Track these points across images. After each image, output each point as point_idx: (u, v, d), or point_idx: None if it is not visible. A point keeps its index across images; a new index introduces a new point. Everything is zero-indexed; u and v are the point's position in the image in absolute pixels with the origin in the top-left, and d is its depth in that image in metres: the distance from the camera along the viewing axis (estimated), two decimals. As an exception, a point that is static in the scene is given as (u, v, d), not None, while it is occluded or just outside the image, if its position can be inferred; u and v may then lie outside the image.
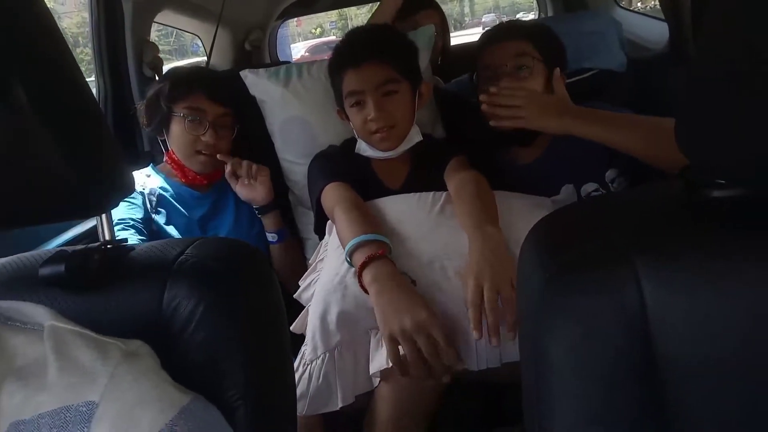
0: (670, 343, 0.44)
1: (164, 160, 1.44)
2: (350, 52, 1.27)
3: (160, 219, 1.38)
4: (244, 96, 1.50)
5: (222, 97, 1.39)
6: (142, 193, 1.37)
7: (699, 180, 0.48)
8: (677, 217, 0.50)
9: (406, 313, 0.87)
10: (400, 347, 0.87)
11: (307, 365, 0.97)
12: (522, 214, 1.05)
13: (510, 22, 1.41)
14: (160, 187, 1.41)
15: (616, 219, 0.51)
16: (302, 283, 1.15)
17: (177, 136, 1.38)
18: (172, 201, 1.41)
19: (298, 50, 11.70)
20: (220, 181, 1.47)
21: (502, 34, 1.34)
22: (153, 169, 1.47)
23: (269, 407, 0.60)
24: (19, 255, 0.70)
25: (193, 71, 1.45)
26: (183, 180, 1.42)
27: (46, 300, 0.60)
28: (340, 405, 0.95)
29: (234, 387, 0.57)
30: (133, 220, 1.31)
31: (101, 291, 0.61)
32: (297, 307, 1.10)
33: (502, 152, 1.38)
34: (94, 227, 1.37)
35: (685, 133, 0.47)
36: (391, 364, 0.89)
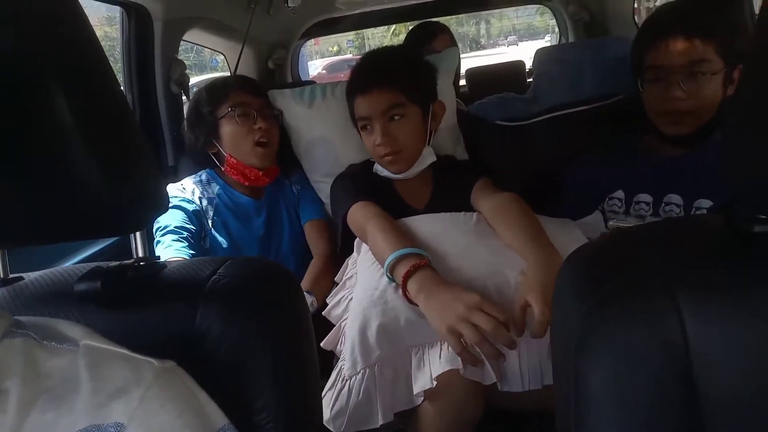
0: (712, 378, 0.44)
1: (224, 169, 1.45)
2: (359, 77, 1.30)
3: (217, 233, 1.39)
4: None
5: (259, 91, 1.45)
6: (198, 204, 1.39)
7: (741, 214, 0.48)
8: (718, 250, 0.49)
9: (458, 301, 0.87)
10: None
11: (346, 381, 0.95)
12: (556, 236, 1.04)
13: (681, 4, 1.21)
14: (217, 194, 1.43)
15: (656, 251, 0.50)
16: (331, 301, 1.15)
17: (231, 135, 1.40)
18: (230, 212, 1.43)
19: (316, 67, 11.85)
20: (271, 187, 1.50)
21: (682, 28, 1.14)
22: (210, 173, 1.47)
23: (300, 427, 0.60)
24: (52, 269, 0.71)
25: (223, 77, 1.51)
26: (245, 182, 1.43)
27: (80, 316, 0.61)
28: (381, 422, 0.93)
29: (265, 409, 0.57)
30: (187, 231, 1.31)
31: (135, 308, 0.61)
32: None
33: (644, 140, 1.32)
34: (113, 244, 1.41)
35: (730, 165, 0.47)
36: (435, 384, 0.89)
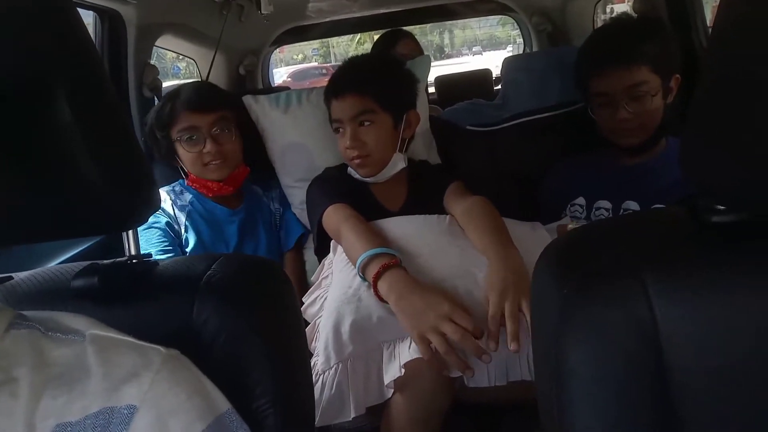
0: (679, 354, 0.48)
1: (186, 183, 1.46)
2: (335, 82, 1.34)
3: (191, 237, 1.39)
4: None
5: (207, 105, 1.39)
6: (166, 213, 1.39)
7: (700, 206, 0.53)
8: (682, 238, 0.54)
9: (429, 309, 0.91)
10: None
11: (320, 375, 0.99)
12: (525, 238, 1.10)
13: (619, 37, 1.29)
14: (190, 202, 1.43)
15: (625, 239, 0.55)
16: (306, 299, 1.18)
17: (184, 157, 1.41)
18: (202, 219, 1.43)
19: (281, 75, 11.79)
20: (247, 201, 1.51)
21: (615, 59, 1.25)
22: (182, 184, 1.48)
23: (295, 414, 0.63)
24: (42, 269, 0.72)
25: (170, 96, 1.44)
26: (209, 194, 1.44)
27: (75, 312, 0.62)
28: (352, 415, 0.96)
29: (264, 396, 0.59)
30: (168, 253, 1.33)
31: (132, 304, 0.63)
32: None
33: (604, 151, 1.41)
34: (94, 245, 1.40)
35: (690, 163, 0.51)
36: (403, 372, 0.93)
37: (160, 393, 0.47)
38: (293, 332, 0.68)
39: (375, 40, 2.44)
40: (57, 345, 0.50)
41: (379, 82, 1.29)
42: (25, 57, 0.52)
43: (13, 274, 0.71)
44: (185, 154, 1.40)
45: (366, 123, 1.27)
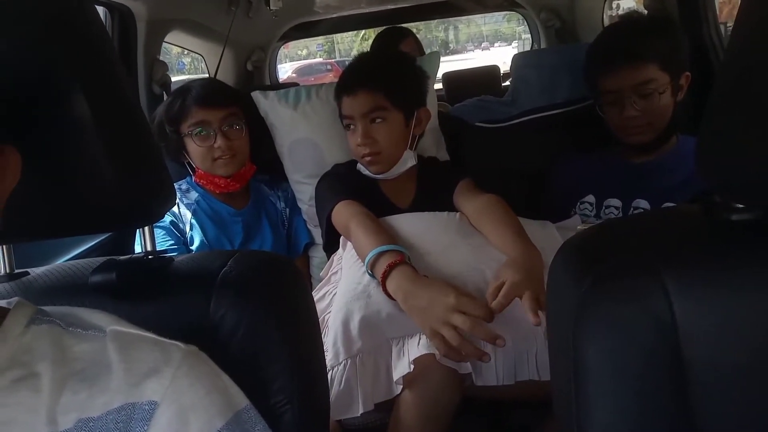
0: (697, 350, 0.48)
1: (194, 180, 1.47)
2: (346, 79, 1.34)
3: (196, 236, 1.40)
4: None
5: (217, 101, 1.40)
6: (173, 220, 1.41)
7: (718, 203, 0.53)
8: (699, 235, 0.54)
9: (436, 303, 0.91)
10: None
11: (328, 371, 0.99)
12: (536, 237, 1.09)
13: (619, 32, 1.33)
14: (196, 200, 1.45)
15: (643, 237, 0.55)
16: (316, 295, 1.18)
17: (194, 152, 1.41)
18: (207, 218, 1.43)
19: (285, 71, 11.78)
20: (253, 201, 1.51)
21: (622, 56, 1.25)
22: (189, 182, 1.49)
23: (312, 410, 0.63)
24: (57, 264, 0.72)
25: (181, 91, 1.44)
26: (216, 190, 1.45)
27: (93, 308, 0.62)
28: (361, 411, 0.96)
29: (281, 392, 0.59)
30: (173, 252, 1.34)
31: (149, 300, 0.63)
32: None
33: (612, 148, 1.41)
34: (102, 241, 1.40)
35: (705, 157, 0.51)
36: (413, 368, 0.93)
37: (181, 389, 0.48)
38: (309, 327, 0.68)
39: (375, 37, 2.42)
40: (78, 340, 0.50)
41: (391, 79, 1.29)
42: (43, 53, 0.53)
43: (29, 270, 0.72)
44: (195, 149, 1.40)
45: (377, 120, 1.27)
